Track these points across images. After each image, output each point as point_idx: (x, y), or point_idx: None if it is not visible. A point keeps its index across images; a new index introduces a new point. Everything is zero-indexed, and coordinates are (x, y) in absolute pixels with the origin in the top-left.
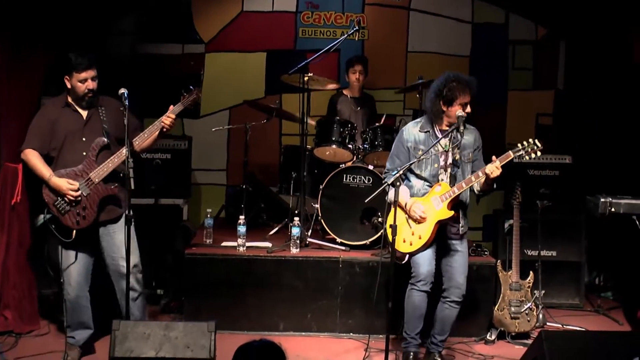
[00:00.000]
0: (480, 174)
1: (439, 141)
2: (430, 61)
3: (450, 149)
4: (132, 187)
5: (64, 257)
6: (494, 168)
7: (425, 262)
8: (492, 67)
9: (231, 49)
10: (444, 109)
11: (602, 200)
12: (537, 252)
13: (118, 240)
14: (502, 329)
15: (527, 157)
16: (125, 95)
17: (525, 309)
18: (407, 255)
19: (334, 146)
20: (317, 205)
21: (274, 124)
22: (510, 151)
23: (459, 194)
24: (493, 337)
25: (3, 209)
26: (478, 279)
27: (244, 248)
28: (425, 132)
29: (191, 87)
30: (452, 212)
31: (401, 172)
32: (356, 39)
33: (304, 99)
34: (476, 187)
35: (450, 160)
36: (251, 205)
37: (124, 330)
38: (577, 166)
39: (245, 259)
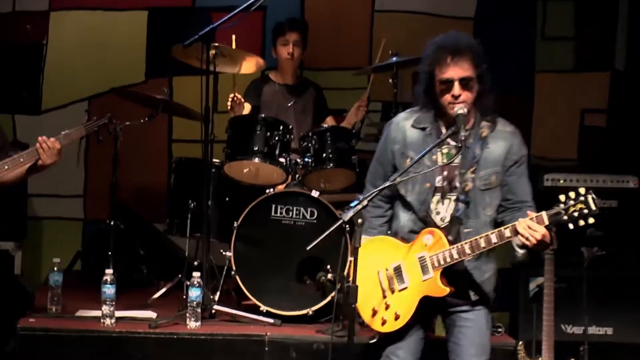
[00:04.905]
0: (507, 233)
1: (437, 145)
2: (411, 27)
3: (459, 166)
4: None
5: None
6: (529, 230)
7: (407, 353)
8: (509, 36)
9: (91, 6)
10: (437, 89)
11: None
12: (583, 328)
13: None
14: None
15: (571, 224)
16: None
17: None
18: (378, 335)
19: (256, 160)
20: (230, 254)
21: (159, 125)
22: (544, 212)
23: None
24: None
25: None
26: None
27: (113, 320)
28: (421, 128)
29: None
30: (447, 289)
31: (369, 198)
32: None
33: (208, 85)
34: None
35: (456, 183)
36: (124, 252)
37: None
38: None
39: (115, 338)
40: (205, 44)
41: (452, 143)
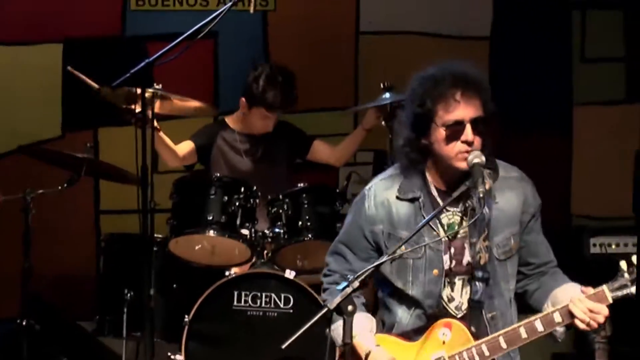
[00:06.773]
0: (557, 318)
1: (436, 214)
2: (411, 51)
3: (467, 235)
4: None
5: None
6: (590, 314)
7: None
8: (537, 59)
9: None
10: (428, 140)
11: None
12: None
13: None
14: None
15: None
16: None
17: None
18: None
19: (211, 233)
20: (181, 357)
21: (83, 192)
22: (604, 286)
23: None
24: None
25: None
26: None
27: None
28: (409, 200)
29: None
30: None
31: (358, 279)
32: (251, 10)
33: (144, 137)
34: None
35: (467, 258)
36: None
37: None
38: None
39: None
40: (138, 84)
41: (452, 209)
